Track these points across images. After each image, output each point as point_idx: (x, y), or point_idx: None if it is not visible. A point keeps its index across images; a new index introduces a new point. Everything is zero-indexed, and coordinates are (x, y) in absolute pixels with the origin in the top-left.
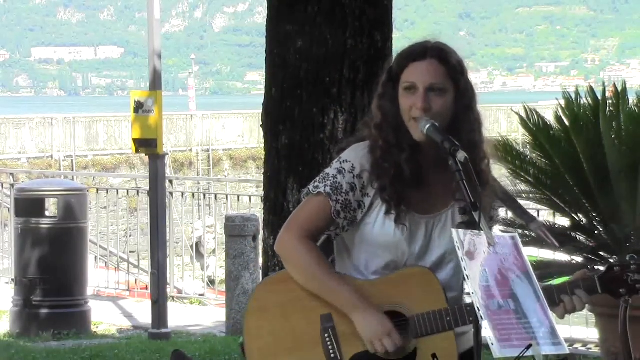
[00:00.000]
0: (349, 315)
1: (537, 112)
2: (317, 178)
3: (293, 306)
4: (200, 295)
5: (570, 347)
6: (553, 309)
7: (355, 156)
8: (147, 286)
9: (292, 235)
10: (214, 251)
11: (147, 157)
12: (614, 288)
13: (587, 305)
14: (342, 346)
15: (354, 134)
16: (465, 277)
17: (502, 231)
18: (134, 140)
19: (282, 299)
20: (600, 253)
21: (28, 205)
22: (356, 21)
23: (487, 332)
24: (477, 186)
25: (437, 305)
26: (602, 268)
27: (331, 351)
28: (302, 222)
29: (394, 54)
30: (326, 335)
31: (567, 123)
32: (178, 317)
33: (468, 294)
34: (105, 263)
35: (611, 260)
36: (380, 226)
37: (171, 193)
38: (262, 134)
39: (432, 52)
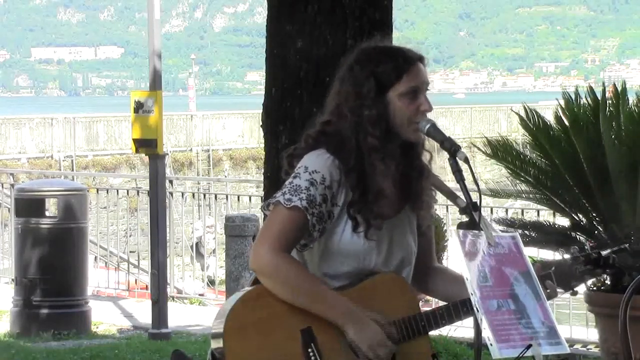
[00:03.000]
0: (342, 326)
1: (537, 112)
2: (285, 190)
3: (272, 323)
4: (200, 295)
5: (570, 347)
6: None
7: (322, 166)
8: (147, 286)
9: (269, 250)
10: (214, 251)
11: (147, 157)
12: (566, 281)
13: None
14: (326, 359)
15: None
16: (465, 278)
17: (503, 231)
18: (134, 140)
19: (259, 316)
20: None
21: (28, 205)
22: (356, 21)
23: (486, 332)
24: (479, 186)
25: (411, 310)
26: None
27: None
28: (278, 236)
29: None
30: (309, 350)
31: (567, 123)
32: (178, 317)
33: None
34: (105, 263)
35: (562, 255)
36: (349, 235)
37: (171, 193)
38: (262, 134)
39: (419, 55)
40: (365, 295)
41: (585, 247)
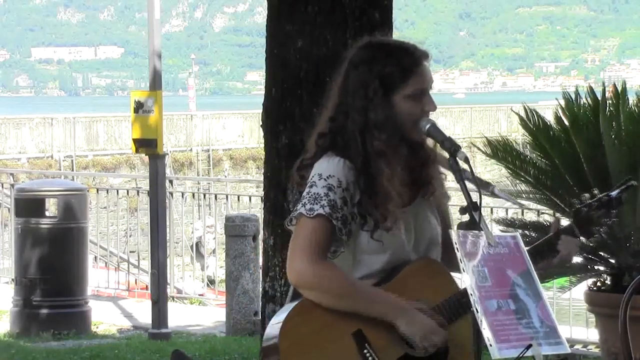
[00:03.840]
0: (392, 320)
1: (537, 112)
2: (305, 201)
3: (323, 334)
4: (200, 295)
5: (570, 347)
6: (548, 261)
7: (336, 170)
8: (147, 286)
9: (305, 262)
10: (214, 251)
11: (147, 157)
12: (587, 229)
13: (573, 254)
14: (381, 357)
15: (308, 151)
16: (464, 278)
17: (503, 231)
18: (134, 140)
19: (311, 329)
20: (600, 253)
21: (28, 205)
22: (356, 21)
23: (486, 333)
24: (479, 186)
25: (451, 290)
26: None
27: None
28: (310, 246)
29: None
30: (365, 351)
31: (567, 123)
32: (178, 317)
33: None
34: (105, 263)
35: (575, 204)
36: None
37: (171, 193)
38: (262, 134)
39: (424, 53)
40: (405, 286)
41: (595, 192)
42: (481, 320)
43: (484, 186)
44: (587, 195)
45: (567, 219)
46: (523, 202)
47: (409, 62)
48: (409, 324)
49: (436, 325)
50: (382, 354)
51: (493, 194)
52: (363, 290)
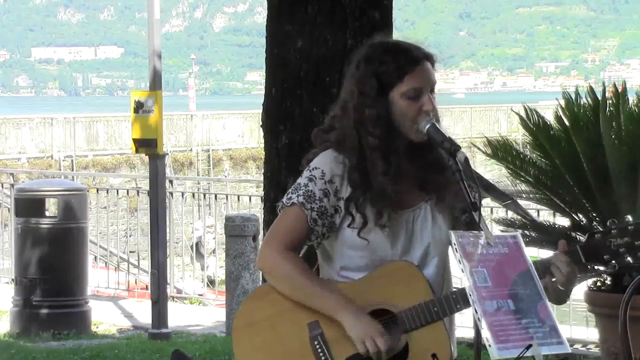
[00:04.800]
0: (336, 317)
1: (537, 112)
2: (290, 190)
3: (280, 318)
4: (200, 295)
5: (570, 347)
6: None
7: (323, 162)
8: (147, 286)
9: (272, 249)
10: (214, 251)
11: (147, 157)
12: (597, 256)
13: (570, 278)
14: (333, 351)
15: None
16: (463, 279)
17: (503, 231)
18: (134, 140)
19: (268, 312)
20: None
21: (28, 205)
22: (356, 21)
23: (485, 333)
24: (477, 186)
25: (423, 298)
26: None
27: (322, 357)
28: (280, 235)
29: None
30: (315, 342)
31: (567, 123)
32: (178, 317)
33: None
34: (105, 263)
35: (595, 229)
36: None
37: (171, 193)
38: (262, 134)
39: (426, 54)
40: (373, 285)
41: (627, 220)
42: (480, 320)
43: (502, 197)
44: (614, 220)
45: (567, 219)
46: (523, 202)
47: (406, 61)
48: (351, 323)
49: (380, 330)
50: (334, 348)
51: (507, 206)
52: (313, 284)
